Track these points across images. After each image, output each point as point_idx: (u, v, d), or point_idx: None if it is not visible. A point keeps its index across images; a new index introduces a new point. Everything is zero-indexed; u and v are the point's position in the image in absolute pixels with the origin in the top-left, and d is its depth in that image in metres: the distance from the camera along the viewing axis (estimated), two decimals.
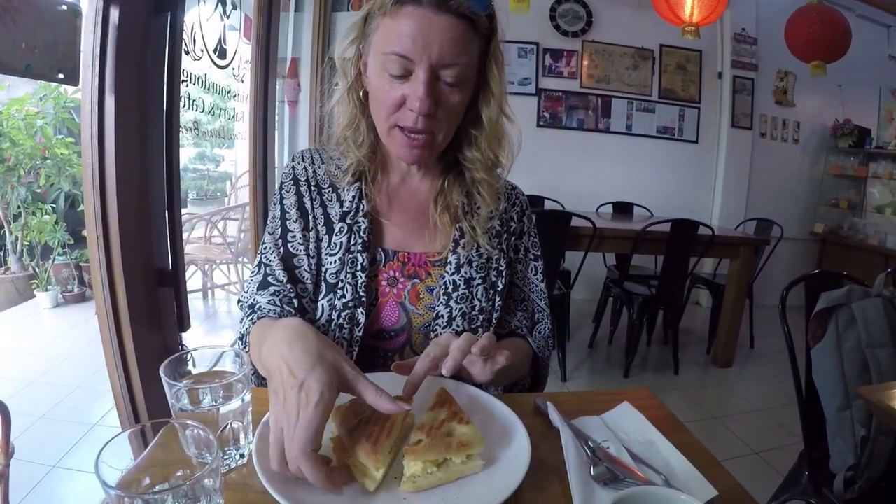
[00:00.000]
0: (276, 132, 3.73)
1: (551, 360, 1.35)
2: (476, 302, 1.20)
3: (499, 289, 1.25)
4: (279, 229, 1.20)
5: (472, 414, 0.86)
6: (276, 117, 3.67)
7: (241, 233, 5.44)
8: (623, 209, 5.60)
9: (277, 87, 3.64)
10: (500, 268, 1.25)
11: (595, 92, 5.90)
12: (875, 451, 1.69)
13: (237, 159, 7.36)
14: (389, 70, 1.01)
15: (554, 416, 0.93)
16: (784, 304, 2.02)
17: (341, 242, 1.16)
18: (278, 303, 1.12)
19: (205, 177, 8.60)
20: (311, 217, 1.20)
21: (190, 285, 5.26)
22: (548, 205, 5.27)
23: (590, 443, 0.87)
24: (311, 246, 1.18)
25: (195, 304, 5.37)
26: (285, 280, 1.16)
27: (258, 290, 1.16)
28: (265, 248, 1.20)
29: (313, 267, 1.18)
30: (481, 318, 1.20)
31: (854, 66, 5.56)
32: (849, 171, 6.46)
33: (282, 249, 1.18)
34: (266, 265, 1.18)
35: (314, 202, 1.20)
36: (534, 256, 1.35)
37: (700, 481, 0.81)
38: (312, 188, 1.21)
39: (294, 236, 1.19)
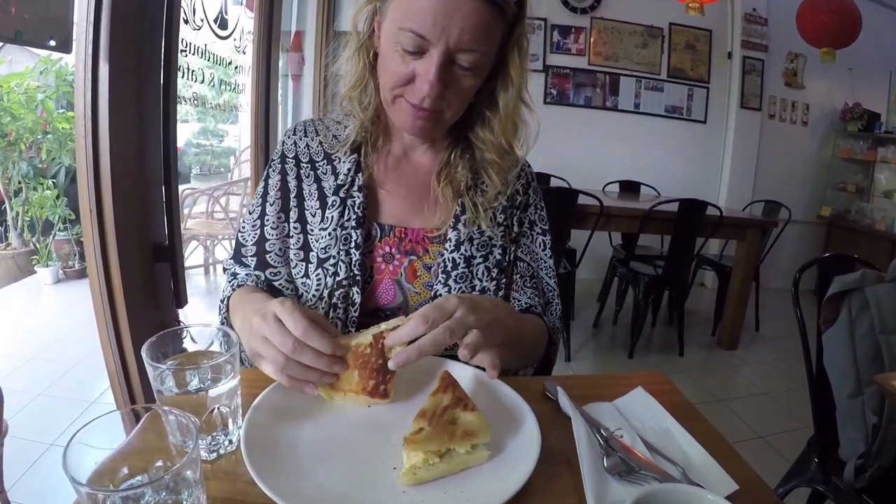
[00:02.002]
0: (280, 106, 3.69)
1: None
2: (476, 282, 1.16)
3: (503, 267, 1.20)
4: (258, 208, 1.20)
5: (478, 399, 0.81)
6: (280, 91, 3.63)
7: (242, 208, 5.42)
8: (630, 188, 5.58)
9: (281, 60, 3.59)
10: (505, 245, 1.21)
11: (603, 69, 5.85)
12: (887, 438, 1.66)
13: (240, 134, 7.34)
14: (403, 45, 0.95)
15: (564, 402, 0.89)
16: (797, 288, 1.97)
17: (333, 217, 1.12)
18: (252, 280, 1.15)
19: (208, 152, 8.60)
20: (292, 196, 1.17)
21: (191, 261, 5.29)
22: (554, 182, 5.24)
23: (602, 431, 0.82)
24: (290, 227, 1.17)
25: (196, 279, 5.40)
26: (253, 265, 1.18)
27: (236, 263, 1.20)
28: (244, 227, 1.21)
29: (286, 250, 1.18)
30: None
31: (865, 51, 5.51)
32: (857, 155, 6.40)
33: (257, 231, 1.18)
34: (242, 245, 1.20)
35: (306, 179, 1.17)
36: (541, 230, 1.29)
37: (719, 474, 0.76)
38: (303, 163, 1.18)
39: (269, 219, 1.18)
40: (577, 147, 5.87)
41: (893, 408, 1.60)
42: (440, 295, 1.13)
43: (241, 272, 1.18)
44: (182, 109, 2.02)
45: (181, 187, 4.33)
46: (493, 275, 1.18)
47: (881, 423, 1.67)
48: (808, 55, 5.95)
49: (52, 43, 1.54)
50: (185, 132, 7.96)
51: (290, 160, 1.18)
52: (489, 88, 1.09)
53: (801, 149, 6.41)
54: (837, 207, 6.58)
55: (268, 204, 1.18)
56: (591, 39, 5.78)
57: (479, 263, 1.16)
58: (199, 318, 4.28)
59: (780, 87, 6.13)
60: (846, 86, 6.30)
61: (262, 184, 1.21)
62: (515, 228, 1.25)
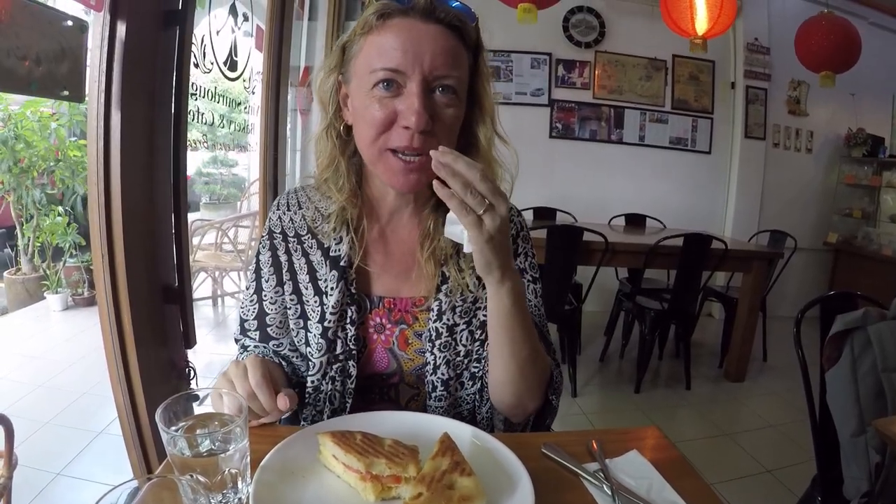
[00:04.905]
0: (288, 141, 3.73)
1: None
2: (460, 347, 1.16)
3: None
4: (254, 284, 1.22)
5: (475, 459, 0.83)
6: (288, 126, 3.66)
7: (251, 241, 5.45)
8: (635, 221, 5.57)
9: (289, 95, 3.63)
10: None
11: (608, 102, 5.89)
12: (890, 478, 1.65)
13: (250, 164, 7.35)
14: (378, 88, 0.97)
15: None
16: (799, 328, 1.97)
17: (326, 295, 1.14)
18: (259, 351, 1.20)
19: (217, 181, 8.62)
20: (285, 271, 1.19)
21: (200, 293, 5.32)
22: (559, 217, 5.28)
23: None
24: (287, 299, 1.19)
25: (205, 310, 5.43)
26: (257, 338, 1.21)
27: (243, 336, 1.24)
28: (244, 304, 1.24)
29: (286, 321, 1.21)
30: (466, 361, 1.16)
31: (867, 75, 5.54)
32: (862, 181, 6.41)
33: (256, 307, 1.21)
34: (244, 320, 1.23)
35: (294, 253, 1.19)
36: (531, 278, 1.24)
37: None
38: (290, 238, 1.19)
39: (266, 294, 1.20)
40: (582, 181, 5.91)
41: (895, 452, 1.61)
42: (429, 363, 1.14)
43: (250, 344, 1.22)
44: (191, 138, 2.06)
45: (190, 217, 4.37)
46: (476, 336, 1.17)
47: (884, 461, 1.67)
48: (810, 82, 5.99)
49: (66, 93, 1.58)
50: (195, 161, 8.01)
51: (278, 235, 1.19)
52: (467, 131, 1.09)
53: (806, 176, 6.42)
54: (844, 233, 6.56)
55: (263, 280, 1.19)
56: (596, 73, 5.83)
57: (462, 330, 1.15)
58: (207, 350, 4.31)
59: (784, 115, 6.16)
60: (849, 111, 6.34)
61: (255, 260, 1.23)
62: None
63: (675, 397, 4.18)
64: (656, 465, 0.93)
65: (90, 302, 5.16)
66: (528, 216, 5.03)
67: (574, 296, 4.26)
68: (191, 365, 2.10)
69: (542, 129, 5.77)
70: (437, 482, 0.77)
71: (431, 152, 0.84)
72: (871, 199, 6.51)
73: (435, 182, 0.85)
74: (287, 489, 0.82)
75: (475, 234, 0.86)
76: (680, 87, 5.95)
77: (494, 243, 0.88)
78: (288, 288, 1.18)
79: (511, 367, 1.03)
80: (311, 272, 1.16)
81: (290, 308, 1.19)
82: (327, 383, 1.13)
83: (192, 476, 0.70)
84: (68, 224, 5.26)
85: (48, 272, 5.16)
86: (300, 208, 1.20)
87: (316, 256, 1.17)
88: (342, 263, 1.13)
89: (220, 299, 5.62)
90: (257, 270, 1.21)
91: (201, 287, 5.52)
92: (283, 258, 1.19)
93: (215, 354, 4.24)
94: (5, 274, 5.28)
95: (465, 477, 0.78)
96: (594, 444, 0.96)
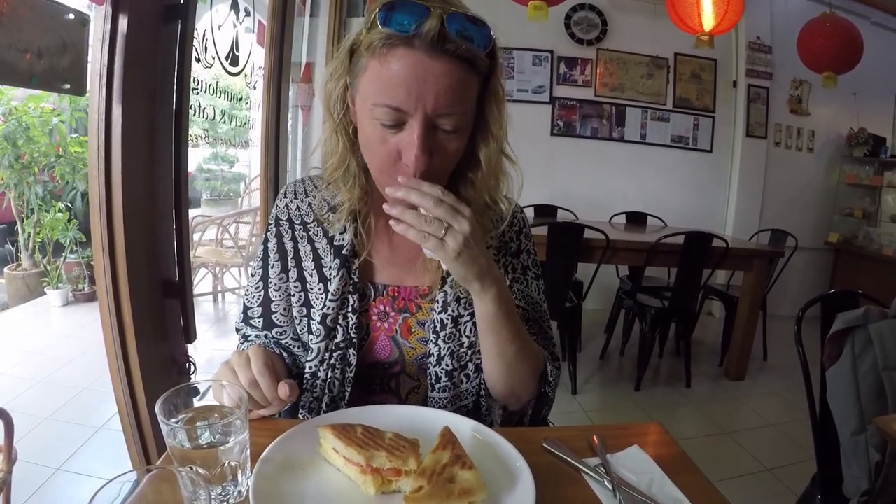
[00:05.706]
0: (289, 137, 3.73)
1: (562, 373, 1.27)
2: (464, 339, 1.15)
3: None
4: (260, 271, 1.22)
5: (476, 453, 0.83)
6: (290, 122, 3.67)
7: (252, 237, 5.46)
8: (636, 219, 5.57)
9: (290, 91, 3.64)
10: None
11: (609, 100, 5.88)
12: (890, 476, 1.65)
13: (251, 160, 7.35)
14: (381, 120, 0.93)
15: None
16: (800, 326, 1.97)
17: (330, 282, 1.14)
18: (261, 340, 1.21)
19: (218, 178, 8.61)
20: (290, 258, 1.20)
21: (200, 288, 5.33)
22: (561, 214, 5.28)
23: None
24: (291, 286, 1.19)
25: (205, 306, 5.43)
26: (260, 326, 1.22)
27: (245, 324, 1.24)
28: (248, 291, 1.24)
29: (290, 309, 1.20)
30: (470, 352, 1.15)
31: (869, 75, 5.51)
32: (864, 181, 6.40)
33: (261, 294, 1.21)
34: (248, 307, 1.23)
35: (300, 240, 1.19)
36: (534, 275, 1.26)
37: None
38: (297, 225, 1.20)
39: (271, 281, 1.20)
40: (583, 178, 5.91)
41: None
42: (432, 354, 1.14)
43: (251, 333, 1.23)
44: (192, 135, 2.06)
45: (191, 213, 4.37)
46: None
47: (884, 460, 1.67)
48: (812, 82, 5.97)
49: (67, 86, 1.58)
50: (196, 157, 7.99)
51: (284, 222, 1.20)
52: (470, 150, 1.05)
53: (808, 175, 6.41)
54: (844, 233, 6.55)
55: (269, 266, 1.20)
56: (598, 71, 5.82)
57: (466, 322, 1.15)
58: (207, 345, 4.32)
59: (786, 115, 6.15)
60: (851, 111, 6.32)
61: (261, 247, 1.23)
62: (509, 275, 1.23)
63: (675, 395, 4.18)
64: (657, 461, 0.94)
65: (90, 298, 5.16)
66: (529, 213, 5.00)
67: (575, 293, 4.26)
68: (191, 360, 2.10)
69: (543, 127, 5.77)
70: (438, 475, 0.77)
71: (386, 191, 0.93)
72: (872, 199, 6.49)
73: (391, 220, 0.91)
74: (287, 482, 0.81)
75: (441, 255, 0.91)
76: (682, 85, 5.94)
77: (462, 259, 0.91)
78: (293, 275, 1.19)
79: (500, 364, 1.08)
80: (317, 259, 1.17)
81: (293, 295, 1.19)
82: (326, 370, 1.13)
83: (191, 468, 0.70)
84: (69, 220, 5.26)
85: (49, 268, 5.16)
86: (307, 196, 1.22)
87: (321, 244, 1.17)
88: (345, 252, 1.14)
89: (220, 295, 5.62)
90: (264, 258, 1.22)
91: (202, 283, 5.54)
92: (288, 245, 1.20)
93: (216, 350, 4.24)
94: (6, 269, 5.28)
95: (465, 470, 0.78)
96: (595, 439, 0.97)
